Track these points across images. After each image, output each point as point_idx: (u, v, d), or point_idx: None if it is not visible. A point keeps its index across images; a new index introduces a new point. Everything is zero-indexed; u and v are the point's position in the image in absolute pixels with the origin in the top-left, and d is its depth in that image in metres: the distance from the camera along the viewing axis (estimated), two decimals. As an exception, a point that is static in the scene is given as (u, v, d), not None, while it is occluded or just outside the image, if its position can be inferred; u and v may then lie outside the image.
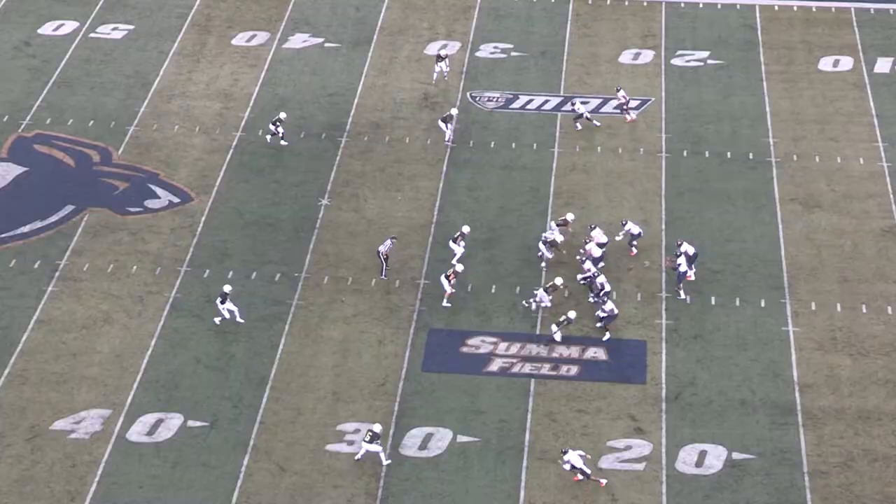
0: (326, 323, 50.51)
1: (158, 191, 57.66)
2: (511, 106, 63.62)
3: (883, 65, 67.23)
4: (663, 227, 55.56)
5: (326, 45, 68.28)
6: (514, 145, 60.93)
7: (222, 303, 49.79)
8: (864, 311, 51.33)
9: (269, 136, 60.39)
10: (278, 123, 60.29)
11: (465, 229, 53.93)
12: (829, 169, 59.55)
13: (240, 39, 68.65)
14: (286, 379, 48.00)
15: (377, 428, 44.63)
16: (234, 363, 48.66)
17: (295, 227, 55.39)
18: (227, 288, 50.15)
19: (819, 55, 67.97)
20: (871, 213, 56.76)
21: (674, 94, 64.75)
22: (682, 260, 51.76)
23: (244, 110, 62.87)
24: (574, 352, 49.29)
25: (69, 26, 69.60)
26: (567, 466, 43.67)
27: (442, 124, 60.30)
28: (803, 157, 60.33)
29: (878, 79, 66.11)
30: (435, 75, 64.56)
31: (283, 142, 60.26)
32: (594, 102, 63.56)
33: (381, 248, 52.37)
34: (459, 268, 51.16)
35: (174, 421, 46.18)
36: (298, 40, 68.64)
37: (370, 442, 44.29)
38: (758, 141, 61.37)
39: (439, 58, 64.59)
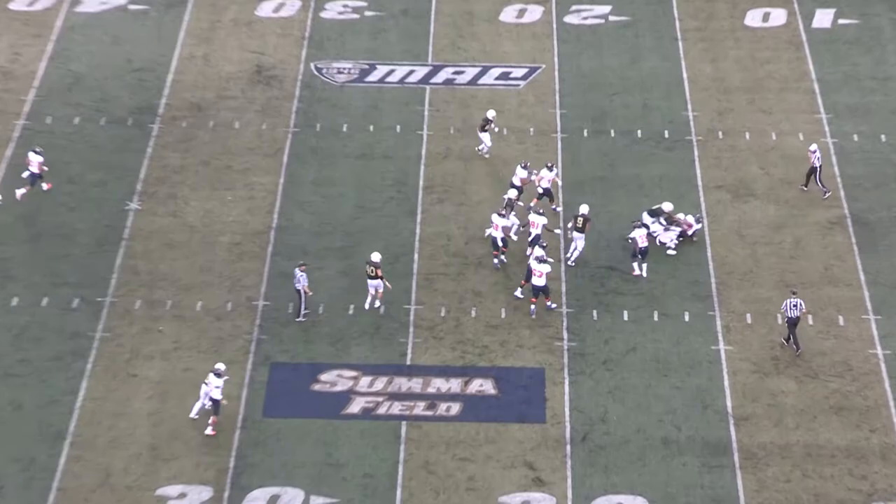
0: (139, 359, 50.02)
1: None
2: (367, 79, 63.69)
3: (823, 18, 68.21)
4: (561, 223, 55.67)
5: (130, 7, 67.94)
6: (371, 128, 60.91)
7: None
8: (811, 322, 51.89)
9: None
10: None
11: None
12: (763, 148, 60.27)
13: (19, 3, 67.99)
14: (90, 432, 47.38)
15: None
16: (22, 415, 47.94)
17: (96, 239, 54.85)
18: None
19: (745, 8, 68.93)
20: (815, 202, 57.47)
21: (569, 59, 65.16)
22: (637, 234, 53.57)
23: (27, 93, 62.24)
24: (455, 385, 49.19)
25: None
26: None
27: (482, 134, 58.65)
28: (730, 133, 60.99)
29: (817, 35, 67.06)
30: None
31: None
32: (470, 73, 63.66)
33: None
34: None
35: (-54, 492, 45.29)
36: (94, 2, 68.17)
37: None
38: (674, 116, 61.94)
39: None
